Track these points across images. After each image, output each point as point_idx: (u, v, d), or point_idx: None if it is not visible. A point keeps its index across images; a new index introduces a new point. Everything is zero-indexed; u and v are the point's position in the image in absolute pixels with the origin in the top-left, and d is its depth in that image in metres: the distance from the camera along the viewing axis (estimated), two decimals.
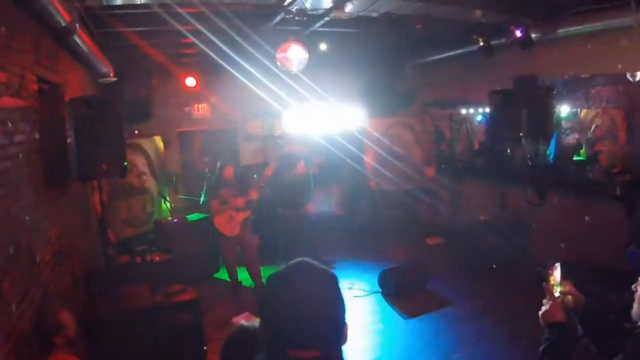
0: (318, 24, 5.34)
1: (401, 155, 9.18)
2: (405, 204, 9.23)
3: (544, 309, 1.90)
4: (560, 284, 1.97)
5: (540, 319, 1.89)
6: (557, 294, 1.93)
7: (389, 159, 9.12)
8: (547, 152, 6.84)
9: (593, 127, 6.29)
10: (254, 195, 6.17)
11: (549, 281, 1.96)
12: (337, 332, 1.17)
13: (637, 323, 1.80)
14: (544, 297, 1.97)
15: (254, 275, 6.27)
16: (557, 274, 1.97)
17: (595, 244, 5.45)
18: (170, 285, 4.75)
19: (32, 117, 3.41)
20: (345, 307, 1.21)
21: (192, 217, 7.26)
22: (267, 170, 6.91)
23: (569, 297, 1.96)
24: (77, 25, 3.77)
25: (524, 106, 5.88)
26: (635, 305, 1.83)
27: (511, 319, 5.10)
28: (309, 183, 6.88)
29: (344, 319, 1.20)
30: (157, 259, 5.53)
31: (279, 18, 5.15)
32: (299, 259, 1.25)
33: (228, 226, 6.09)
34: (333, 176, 9.57)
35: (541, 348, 1.80)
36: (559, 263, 1.99)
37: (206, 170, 7.35)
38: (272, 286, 1.21)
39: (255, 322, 1.75)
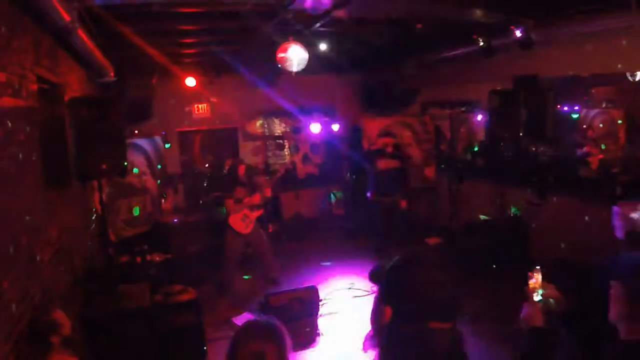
0: (318, 24, 5.33)
1: None
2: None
3: (523, 312, 1.89)
4: (543, 287, 1.97)
5: (521, 323, 1.88)
6: (538, 298, 1.93)
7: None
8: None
9: (585, 128, 6.29)
10: (268, 192, 6.23)
11: (529, 284, 1.96)
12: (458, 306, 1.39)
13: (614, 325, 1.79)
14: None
15: (269, 264, 6.37)
16: (538, 277, 1.98)
17: (595, 244, 5.45)
18: (170, 285, 4.75)
19: (32, 117, 3.41)
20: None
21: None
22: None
23: (551, 300, 1.95)
24: (77, 25, 3.77)
25: (524, 106, 5.88)
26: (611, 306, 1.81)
27: (511, 319, 5.09)
28: (403, 177, 7.57)
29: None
30: (157, 259, 5.53)
31: (279, 18, 5.15)
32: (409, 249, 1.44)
33: (242, 224, 6.11)
34: (333, 175, 9.59)
35: (520, 352, 1.79)
36: (539, 267, 1.99)
37: (208, 171, 7.34)
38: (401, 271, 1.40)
39: None
